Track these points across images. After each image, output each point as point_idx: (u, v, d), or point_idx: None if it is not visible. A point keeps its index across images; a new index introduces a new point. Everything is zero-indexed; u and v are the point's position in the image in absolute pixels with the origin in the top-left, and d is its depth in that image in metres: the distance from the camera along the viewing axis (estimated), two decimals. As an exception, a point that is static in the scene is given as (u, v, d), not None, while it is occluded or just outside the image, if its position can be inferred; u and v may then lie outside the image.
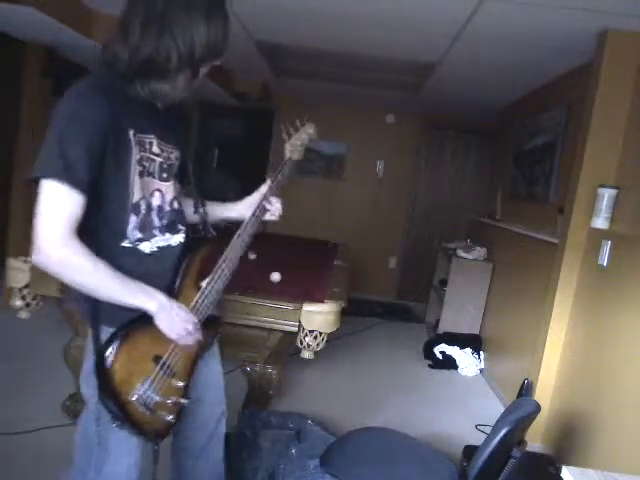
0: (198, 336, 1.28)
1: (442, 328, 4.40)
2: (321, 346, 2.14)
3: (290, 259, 3.22)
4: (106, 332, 1.20)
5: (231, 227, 1.50)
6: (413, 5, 2.61)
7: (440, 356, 4.07)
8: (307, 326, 2.11)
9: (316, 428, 2.49)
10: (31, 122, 4.11)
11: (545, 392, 2.76)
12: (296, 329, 2.11)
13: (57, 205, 1.08)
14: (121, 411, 1.17)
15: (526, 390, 2.70)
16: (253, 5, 2.89)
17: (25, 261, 2.23)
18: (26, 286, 2.23)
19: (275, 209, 1.52)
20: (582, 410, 2.45)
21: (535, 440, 2.73)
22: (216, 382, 1.58)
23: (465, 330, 4.33)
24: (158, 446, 1.35)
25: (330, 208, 5.92)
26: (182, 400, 1.31)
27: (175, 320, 1.22)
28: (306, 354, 2.14)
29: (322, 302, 2.17)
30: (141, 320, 1.20)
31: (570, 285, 2.69)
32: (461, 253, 4.40)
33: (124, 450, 1.28)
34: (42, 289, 2.24)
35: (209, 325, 1.39)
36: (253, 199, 1.54)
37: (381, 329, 4.86)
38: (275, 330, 2.16)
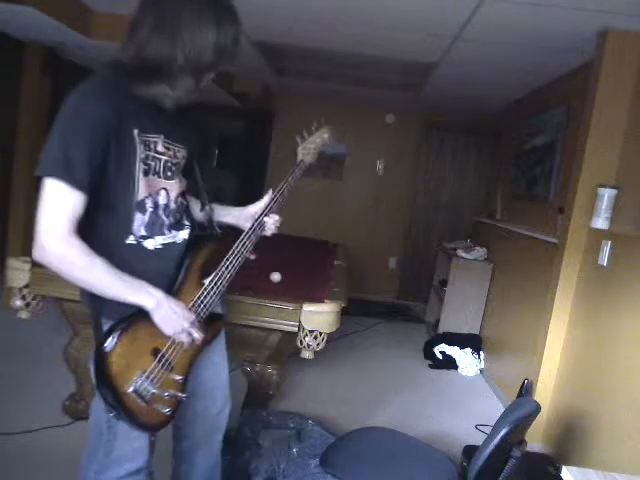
0: (195, 334, 1.29)
1: (442, 328, 4.40)
2: (321, 346, 2.14)
3: (290, 259, 3.22)
4: (107, 325, 1.22)
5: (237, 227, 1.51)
6: (413, 5, 2.61)
7: (440, 356, 4.07)
8: (307, 326, 2.11)
9: (316, 428, 2.49)
10: (31, 122, 4.11)
11: (545, 392, 2.76)
12: (296, 329, 2.11)
13: (58, 203, 1.10)
14: (117, 402, 1.19)
15: (526, 390, 2.70)
16: (253, 5, 2.89)
17: (25, 261, 2.23)
18: (26, 286, 2.23)
19: (272, 223, 1.51)
20: (582, 410, 2.45)
21: (535, 440, 2.73)
22: (220, 378, 1.59)
23: (465, 330, 4.33)
24: (155, 437, 1.38)
25: (330, 208, 5.92)
26: (180, 394, 1.32)
27: (172, 317, 1.23)
28: (306, 354, 2.14)
29: (322, 302, 2.17)
30: (141, 314, 1.22)
31: (570, 285, 2.69)
32: (461, 253, 4.40)
33: (133, 434, 1.31)
34: (42, 289, 2.24)
35: (212, 322, 1.40)
36: (254, 209, 1.54)
37: (381, 329, 4.86)
38: (275, 330, 2.16)
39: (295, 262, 3.11)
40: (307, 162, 1.62)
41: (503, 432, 1.39)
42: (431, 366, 4.01)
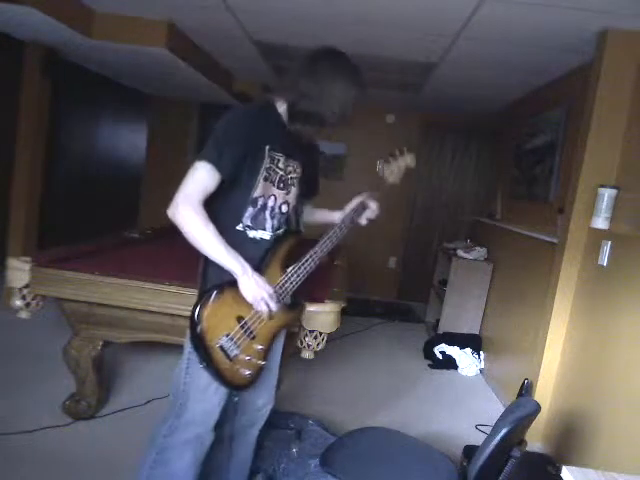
0: (272, 305, 1.53)
1: (442, 328, 4.40)
2: (321, 346, 2.14)
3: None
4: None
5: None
6: (413, 4, 2.61)
7: (440, 356, 4.07)
8: (307, 326, 2.11)
9: (317, 428, 2.50)
10: (31, 122, 4.11)
11: (545, 392, 2.76)
12: (296, 329, 2.12)
13: (201, 178, 1.46)
14: (206, 353, 1.47)
15: (526, 390, 2.70)
16: (253, 5, 2.89)
17: (25, 261, 2.23)
18: (26, 286, 2.23)
19: (373, 210, 1.84)
20: (582, 410, 2.45)
21: (535, 440, 2.73)
22: (271, 377, 1.81)
23: (465, 330, 4.33)
24: (238, 397, 1.67)
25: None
26: (259, 361, 1.58)
27: (253, 286, 1.50)
28: (306, 354, 2.14)
29: (322, 302, 2.17)
30: (232, 284, 1.50)
31: (570, 285, 2.69)
32: (461, 253, 4.40)
33: (202, 397, 1.56)
34: (42, 289, 2.25)
35: (291, 309, 1.70)
36: (351, 206, 1.85)
37: (381, 329, 4.86)
38: (275, 330, 2.16)
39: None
40: (390, 182, 1.92)
41: (503, 432, 1.39)
42: (431, 366, 4.01)
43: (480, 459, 1.42)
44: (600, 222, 2.51)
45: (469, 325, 4.34)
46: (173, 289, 2.16)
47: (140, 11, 3.32)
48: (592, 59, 2.70)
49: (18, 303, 2.24)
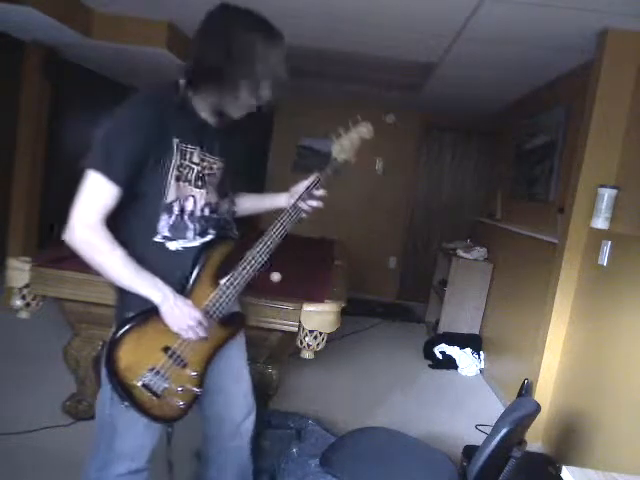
0: (201, 332, 1.33)
1: (442, 328, 4.40)
2: (321, 346, 2.13)
3: (290, 259, 3.22)
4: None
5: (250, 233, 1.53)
6: (413, 5, 2.61)
7: (440, 356, 4.07)
8: (307, 326, 2.11)
9: (317, 428, 2.50)
10: (31, 122, 4.11)
11: (545, 392, 2.76)
12: (296, 329, 2.11)
13: (94, 193, 1.22)
14: (127, 394, 1.27)
15: (526, 390, 2.70)
16: (252, 5, 2.88)
17: (25, 261, 2.23)
18: (26, 286, 2.23)
19: (320, 196, 1.55)
20: (582, 410, 2.45)
21: (535, 440, 2.73)
22: (241, 385, 1.63)
23: (465, 330, 4.33)
24: (172, 428, 1.45)
25: (330, 208, 5.90)
26: (195, 389, 1.38)
27: (177, 314, 1.29)
28: (306, 354, 2.14)
29: (322, 302, 2.16)
30: (154, 312, 1.29)
31: (570, 285, 2.69)
32: (461, 253, 4.40)
33: (132, 431, 1.37)
34: (42, 289, 2.24)
35: (230, 321, 1.46)
36: (295, 190, 1.57)
37: (381, 329, 4.86)
38: (275, 330, 2.16)
39: (295, 262, 3.10)
40: (342, 159, 1.61)
41: (503, 432, 1.39)
42: (431, 366, 4.01)
43: (480, 459, 1.42)
44: (600, 222, 2.51)
45: (469, 325, 4.34)
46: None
47: (140, 11, 3.32)
48: (592, 59, 2.70)
49: (18, 303, 2.23)
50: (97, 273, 1.27)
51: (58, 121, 4.66)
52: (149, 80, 4.99)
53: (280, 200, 1.64)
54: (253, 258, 1.40)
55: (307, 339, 2.11)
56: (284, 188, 1.64)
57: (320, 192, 1.55)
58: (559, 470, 2.23)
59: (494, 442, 1.40)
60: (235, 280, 1.39)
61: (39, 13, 2.94)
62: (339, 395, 3.25)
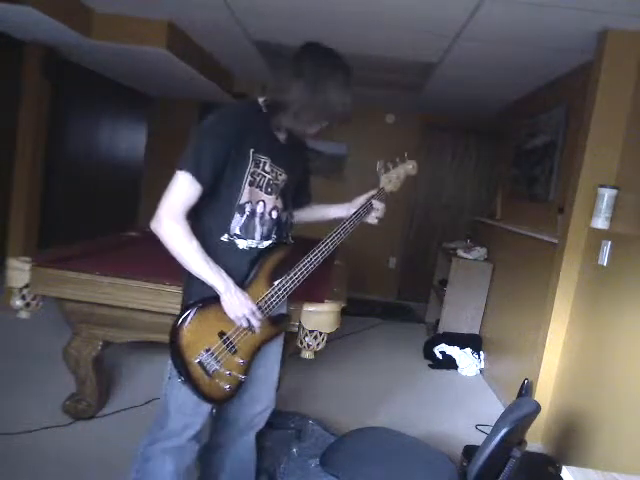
0: (254, 322, 1.49)
1: (442, 328, 4.40)
2: (321, 346, 2.14)
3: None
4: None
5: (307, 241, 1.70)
6: (413, 5, 2.61)
7: (440, 356, 4.07)
8: (307, 326, 2.11)
9: (317, 428, 2.50)
10: (31, 123, 4.11)
11: (545, 392, 2.76)
12: (296, 329, 2.12)
13: (182, 189, 1.42)
14: (184, 369, 1.44)
15: (526, 390, 2.70)
16: (253, 5, 2.89)
17: (25, 261, 2.23)
18: (26, 286, 2.23)
19: (379, 212, 1.77)
20: (582, 410, 2.45)
21: (535, 440, 2.73)
22: (270, 380, 1.78)
23: (465, 330, 4.33)
24: (215, 410, 1.68)
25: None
26: (240, 376, 1.54)
27: (235, 303, 1.46)
28: (306, 354, 2.14)
29: (322, 302, 2.17)
30: (215, 300, 1.47)
31: (570, 285, 2.69)
32: (461, 253, 4.40)
33: (181, 411, 1.55)
34: (42, 289, 2.24)
35: (277, 321, 1.64)
36: (360, 201, 1.79)
37: (381, 329, 4.86)
38: (275, 330, 2.16)
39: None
40: (388, 190, 1.83)
41: (503, 432, 1.39)
42: (431, 366, 4.01)
43: (480, 459, 1.42)
44: (600, 222, 2.51)
45: (469, 325, 4.34)
46: (173, 289, 2.16)
47: (140, 11, 3.32)
48: (592, 59, 2.70)
49: (18, 303, 2.23)
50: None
51: (58, 121, 4.66)
52: (149, 80, 5.00)
53: (342, 210, 1.84)
54: (304, 266, 1.58)
55: (307, 339, 2.11)
56: None
57: (380, 205, 1.77)
58: (559, 470, 2.23)
59: (494, 442, 1.40)
60: (287, 283, 1.57)
61: (39, 13, 2.94)
62: (339, 395, 3.25)
